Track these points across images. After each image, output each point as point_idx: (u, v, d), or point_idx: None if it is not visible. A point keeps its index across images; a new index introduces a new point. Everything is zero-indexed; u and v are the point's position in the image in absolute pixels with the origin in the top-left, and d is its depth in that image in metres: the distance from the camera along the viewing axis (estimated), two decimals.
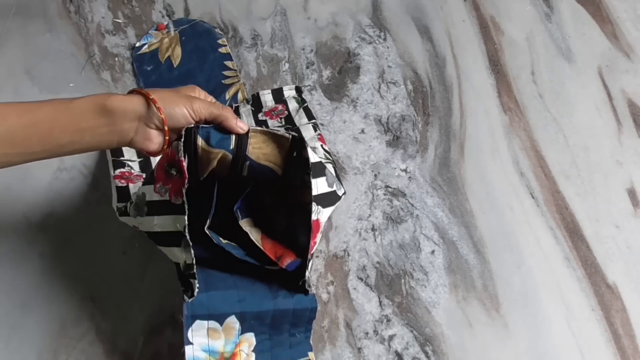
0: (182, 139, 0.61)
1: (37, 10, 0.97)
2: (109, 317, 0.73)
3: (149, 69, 0.91)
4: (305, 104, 0.85)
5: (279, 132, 0.63)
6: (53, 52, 0.93)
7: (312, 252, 0.63)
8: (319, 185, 0.64)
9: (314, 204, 0.62)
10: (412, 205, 0.80)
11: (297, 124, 0.82)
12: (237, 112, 0.85)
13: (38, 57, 0.93)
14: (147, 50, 0.93)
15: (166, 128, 0.59)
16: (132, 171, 0.78)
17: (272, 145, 0.64)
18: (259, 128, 0.63)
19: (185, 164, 0.60)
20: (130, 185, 0.76)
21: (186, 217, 0.60)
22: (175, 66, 0.91)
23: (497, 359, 0.71)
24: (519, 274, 0.76)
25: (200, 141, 0.62)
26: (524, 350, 0.71)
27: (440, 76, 0.91)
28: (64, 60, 0.93)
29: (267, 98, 0.86)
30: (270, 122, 0.83)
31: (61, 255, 0.77)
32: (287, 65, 0.92)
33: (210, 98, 0.65)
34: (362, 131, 0.86)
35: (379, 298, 0.74)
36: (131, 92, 0.60)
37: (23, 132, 0.55)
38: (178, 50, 0.92)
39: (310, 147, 0.74)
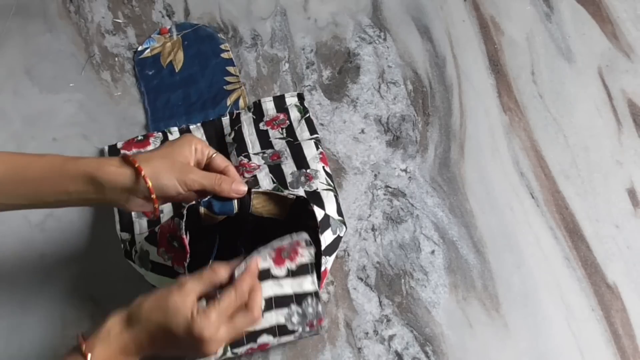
0: (184, 218, 0.61)
1: (37, 10, 0.97)
2: None
3: (150, 73, 0.91)
4: (307, 114, 0.84)
5: (282, 194, 0.64)
6: (53, 52, 0.93)
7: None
8: (326, 239, 0.65)
9: (323, 257, 0.63)
10: (412, 205, 0.80)
11: (299, 138, 0.81)
12: (237, 119, 0.84)
13: (38, 57, 0.93)
14: (149, 54, 0.93)
15: (153, 196, 0.58)
16: None
17: (275, 202, 0.65)
18: (261, 190, 0.64)
19: (187, 240, 0.61)
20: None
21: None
22: (177, 71, 0.91)
23: (497, 359, 0.71)
24: (519, 274, 0.76)
25: (202, 209, 0.64)
26: (524, 350, 0.71)
27: (440, 76, 0.91)
28: (64, 60, 0.93)
29: (268, 106, 0.85)
30: (271, 132, 0.82)
31: (61, 256, 0.77)
32: (287, 65, 0.92)
33: (208, 151, 0.63)
34: (362, 131, 0.86)
35: (379, 298, 0.74)
36: (123, 158, 0.58)
37: (10, 187, 0.55)
38: (180, 55, 0.92)
39: (312, 170, 0.76)
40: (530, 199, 0.81)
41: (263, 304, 0.61)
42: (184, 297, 0.54)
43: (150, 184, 0.57)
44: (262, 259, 0.62)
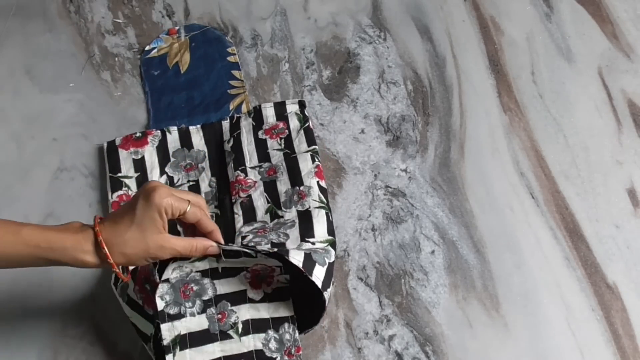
0: (157, 266, 0.62)
1: (37, 10, 0.97)
2: (110, 316, 0.73)
3: (156, 73, 0.91)
4: (307, 124, 0.83)
5: (253, 256, 0.63)
6: (53, 52, 0.93)
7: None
8: (318, 276, 0.64)
9: (324, 293, 0.63)
10: (412, 205, 0.80)
11: (296, 150, 0.81)
12: (237, 124, 0.84)
13: (38, 57, 0.93)
14: (156, 54, 0.93)
15: (124, 279, 0.61)
16: (130, 192, 0.79)
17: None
18: (232, 254, 0.63)
19: (159, 285, 0.62)
20: None
21: (154, 328, 0.64)
22: (182, 72, 0.91)
23: (497, 359, 0.71)
24: (519, 274, 0.76)
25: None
26: (524, 350, 0.71)
27: (440, 76, 0.91)
28: (64, 60, 0.93)
29: (268, 112, 0.85)
30: (269, 142, 0.82)
31: None
32: (287, 65, 0.92)
33: (178, 206, 0.58)
34: (362, 131, 0.86)
35: (379, 298, 0.74)
36: (96, 247, 0.56)
37: None
38: (187, 56, 0.92)
39: (306, 187, 0.76)
40: (530, 199, 0.81)
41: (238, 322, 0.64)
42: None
43: (121, 276, 0.59)
44: (238, 280, 0.64)
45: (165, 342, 0.63)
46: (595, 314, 0.73)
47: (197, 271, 0.64)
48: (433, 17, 0.96)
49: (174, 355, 0.63)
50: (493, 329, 0.72)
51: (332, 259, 0.68)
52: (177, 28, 0.95)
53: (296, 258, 0.62)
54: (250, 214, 0.76)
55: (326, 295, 0.64)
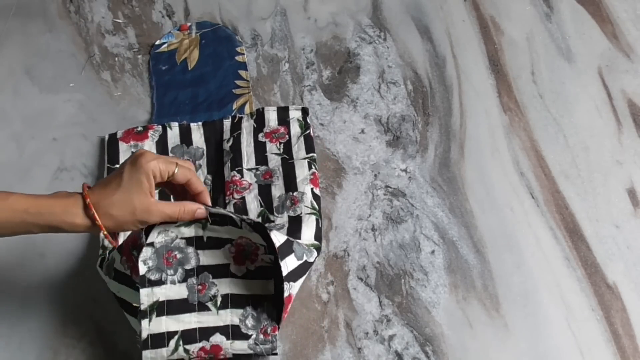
0: (144, 230, 0.62)
1: (37, 10, 0.98)
2: (109, 317, 0.73)
3: (163, 68, 0.91)
4: (308, 131, 0.83)
5: (236, 221, 0.63)
6: (53, 52, 0.93)
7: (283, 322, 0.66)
8: (288, 264, 0.64)
9: (285, 283, 0.62)
10: (412, 205, 0.80)
11: (294, 156, 0.81)
12: (239, 124, 0.84)
13: (38, 57, 0.93)
14: (166, 49, 0.93)
15: (112, 244, 0.62)
16: None
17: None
18: (218, 220, 0.63)
19: (143, 248, 0.62)
20: None
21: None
22: (189, 69, 0.91)
23: (497, 359, 0.71)
24: (519, 274, 0.76)
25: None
26: (524, 350, 0.71)
27: (440, 76, 0.91)
28: (64, 60, 0.93)
29: (271, 116, 0.85)
30: (268, 146, 0.82)
31: (61, 256, 0.77)
32: (287, 65, 0.92)
33: (167, 167, 0.59)
34: (362, 131, 0.86)
35: (379, 298, 0.74)
36: (85, 210, 0.57)
37: None
38: (195, 53, 0.92)
39: (299, 193, 0.77)
40: (530, 199, 0.81)
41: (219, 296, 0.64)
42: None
43: (110, 239, 0.60)
44: (222, 254, 0.64)
45: (142, 307, 0.63)
46: (595, 314, 0.73)
47: (182, 238, 0.64)
48: (433, 17, 0.96)
49: (149, 321, 0.63)
50: (493, 329, 0.72)
51: (312, 260, 0.68)
52: (189, 24, 0.95)
53: (277, 237, 0.62)
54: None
55: (287, 287, 0.63)
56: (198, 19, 0.96)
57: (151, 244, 0.63)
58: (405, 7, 0.97)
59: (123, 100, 0.89)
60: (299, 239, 0.72)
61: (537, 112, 0.87)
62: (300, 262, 0.65)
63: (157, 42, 0.93)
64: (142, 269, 0.63)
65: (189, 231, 0.64)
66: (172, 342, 0.63)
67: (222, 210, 0.63)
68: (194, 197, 0.62)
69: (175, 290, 0.64)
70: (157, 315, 0.63)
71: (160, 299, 0.64)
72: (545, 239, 0.78)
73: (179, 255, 0.64)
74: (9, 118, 0.88)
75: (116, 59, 0.93)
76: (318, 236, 0.74)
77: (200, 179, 0.62)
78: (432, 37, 0.94)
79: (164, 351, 0.63)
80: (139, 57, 0.93)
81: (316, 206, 0.76)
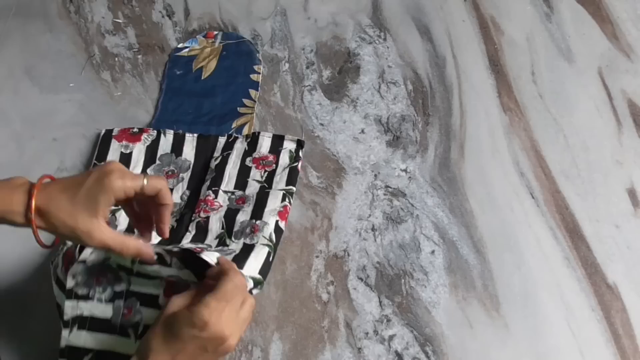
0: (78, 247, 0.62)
1: (37, 10, 0.98)
2: None
3: (178, 73, 0.91)
4: (296, 164, 0.81)
5: (170, 250, 0.61)
6: (53, 52, 0.93)
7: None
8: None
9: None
10: (412, 205, 0.80)
11: (273, 187, 0.79)
12: (232, 145, 0.83)
13: (38, 57, 0.93)
14: (186, 54, 0.92)
15: (39, 237, 0.56)
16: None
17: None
18: (163, 251, 0.61)
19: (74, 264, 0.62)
20: None
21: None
22: (202, 78, 0.90)
23: (497, 359, 0.71)
24: (519, 274, 0.76)
25: None
26: (524, 351, 0.71)
27: (440, 76, 0.91)
28: (64, 60, 0.93)
29: (264, 142, 0.83)
30: (252, 172, 0.81)
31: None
32: (287, 65, 0.92)
33: (134, 184, 0.55)
34: (362, 131, 0.86)
35: (379, 298, 0.74)
36: (29, 192, 0.53)
37: None
38: (213, 64, 0.91)
39: (262, 222, 0.75)
40: (531, 199, 0.81)
41: None
42: (176, 304, 0.53)
43: (40, 240, 0.56)
44: (152, 284, 0.63)
45: (65, 317, 0.62)
46: (595, 314, 0.73)
47: (113, 262, 0.63)
48: (433, 17, 0.96)
49: (70, 332, 0.62)
50: (493, 329, 0.72)
51: (250, 286, 0.65)
52: (215, 33, 0.94)
53: (209, 257, 0.59)
54: (200, 236, 0.75)
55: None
56: (198, 19, 0.96)
57: (83, 262, 0.63)
58: (405, 7, 0.97)
59: (123, 100, 0.89)
60: (242, 268, 0.68)
61: (537, 112, 0.87)
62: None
63: (180, 45, 0.93)
64: (70, 283, 0.62)
65: (120, 259, 0.63)
66: (86, 359, 0.63)
67: (168, 247, 0.60)
68: (158, 207, 0.59)
69: (100, 309, 0.63)
70: (79, 328, 0.63)
71: (84, 314, 0.63)
72: (545, 239, 0.78)
73: (109, 275, 0.63)
74: (9, 118, 0.88)
75: (116, 59, 0.93)
76: (264, 271, 0.70)
77: (169, 193, 0.59)
78: (432, 37, 0.94)
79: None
80: (139, 57, 0.93)
81: (274, 239, 0.74)
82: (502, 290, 0.75)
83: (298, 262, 0.76)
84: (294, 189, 0.80)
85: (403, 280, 0.75)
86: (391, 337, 0.72)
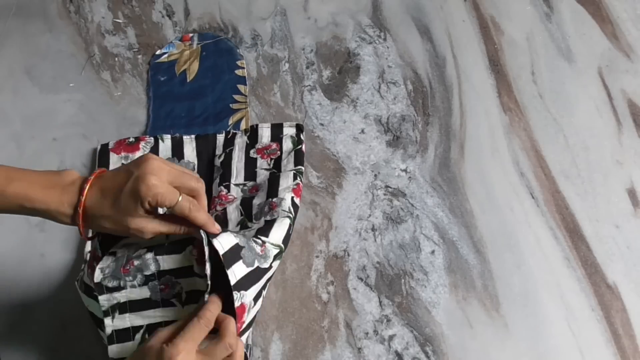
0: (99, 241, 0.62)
1: (37, 10, 0.97)
2: None
3: (162, 79, 0.90)
4: (300, 147, 0.82)
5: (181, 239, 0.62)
6: (53, 52, 0.93)
7: (240, 331, 0.60)
8: (236, 273, 0.59)
9: (234, 292, 0.58)
10: (412, 205, 0.80)
11: (283, 169, 0.80)
12: (232, 140, 0.84)
13: (38, 57, 0.93)
14: (166, 59, 0.92)
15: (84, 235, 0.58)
16: None
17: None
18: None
19: (104, 256, 0.62)
20: None
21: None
22: (188, 81, 0.90)
23: (497, 359, 0.71)
24: (519, 274, 0.76)
25: None
26: (524, 351, 0.71)
27: (440, 76, 0.91)
28: (64, 60, 0.93)
29: (264, 132, 0.84)
30: (259, 162, 0.81)
31: (61, 256, 0.77)
32: (287, 65, 0.92)
33: (164, 201, 0.55)
34: (362, 131, 0.86)
35: (379, 298, 0.74)
36: (73, 216, 0.56)
37: None
38: (195, 65, 0.91)
39: (279, 199, 0.75)
40: (530, 199, 0.81)
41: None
42: (154, 341, 0.53)
43: (85, 236, 0.58)
44: (184, 257, 0.62)
45: (103, 308, 0.62)
46: (595, 314, 0.73)
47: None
48: (433, 17, 0.96)
49: (112, 319, 0.62)
50: (493, 329, 0.72)
51: (265, 266, 0.63)
52: (190, 35, 0.94)
53: (221, 243, 0.58)
54: (221, 227, 0.74)
55: (237, 296, 0.58)
56: (198, 19, 0.96)
57: (113, 253, 0.62)
58: (405, 7, 0.97)
59: (123, 100, 0.89)
60: (267, 237, 0.67)
61: (537, 112, 0.87)
62: (251, 268, 0.61)
63: (158, 52, 0.92)
64: (98, 277, 0.61)
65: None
66: (138, 336, 0.62)
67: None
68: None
69: (136, 293, 0.63)
70: (120, 313, 0.62)
71: (122, 301, 0.62)
72: (545, 239, 0.78)
73: (136, 262, 0.62)
74: (9, 118, 0.88)
75: (116, 59, 0.93)
76: (286, 240, 0.70)
77: (202, 216, 0.58)
78: (432, 37, 0.94)
79: (130, 345, 0.62)
80: (139, 57, 0.93)
81: (293, 212, 0.74)
82: (502, 290, 0.75)
83: (298, 262, 0.76)
84: (303, 168, 0.81)
85: (403, 280, 0.75)
86: (391, 337, 0.72)
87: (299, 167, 0.80)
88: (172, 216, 0.58)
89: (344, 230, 0.79)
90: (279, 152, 0.82)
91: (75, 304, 0.74)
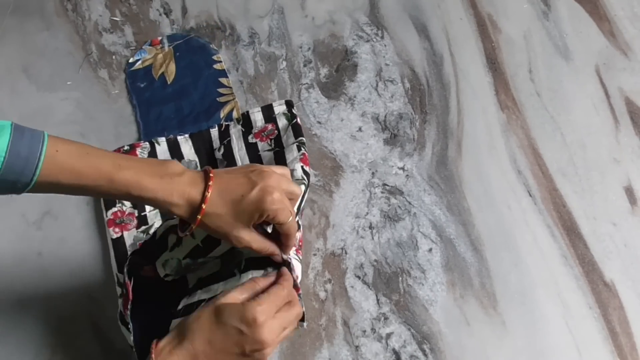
0: (127, 266, 0.62)
1: (35, 8, 0.97)
2: (107, 315, 0.73)
3: (142, 85, 0.90)
4: (295, 120, 0.83)
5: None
6: (50, 50, 0.93)
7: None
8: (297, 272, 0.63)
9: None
10: (410, 203, 0.80)
11: (285, 144, 0.81)
12: (227, 132, 0.84)
13: (35, 55, 0.93)
14: (141, 66, 0.91)
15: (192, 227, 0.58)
16: (124, 208, 0.78)
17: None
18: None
19: (130, 286, 0.62)
20: (125, 234, 0.76)
21: (132, 337, 0.62)
22: (169, 83, 0.90)
23: (495, 356, 0.71)
24: (517, 272, 0.76)
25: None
26: (521, 348, 0.71)
27: (438, 74, 0.91)
28: (61, 58, 0.93)
29: (256, 117, 0.85)
30: (260, 145, 0.82)
31: (59, 254, 0.77)
32: (284, 63, 0.92)
33: (277, 218, 0.57)
34: (360, 129, 0.86)
35: (377, 296, 0.74)
36: (203, 196, 0.56)
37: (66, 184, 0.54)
38: (172, 67, 0.91)
39: (290, 169, 0.74)
40: (528, 197, 0.81)
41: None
42: (231, 297, 0.55)
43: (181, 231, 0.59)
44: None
45: (190, 285, 0.65)
46: (593, 312, 0.73)
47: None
48: (430, 15, 0.96)
49: (188, 297, 0.63)
50: (490, 327, 0.72)
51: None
52: (159, 38, 0.94)
53: (296, 271, 0.62)
54: None
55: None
56: (195, 17, 0.96)
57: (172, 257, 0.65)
58: (403, 5, 0.97)
59: (120, 99, 0.89)
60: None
61: (534, 110, 0.87)
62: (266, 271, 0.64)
63: (131, 60, 0.92)
64: (161, 272, 0.64)
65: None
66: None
67: (289, 259, 0.62)
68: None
69: (209, 266, 0.66)
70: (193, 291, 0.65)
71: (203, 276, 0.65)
72: (543, 237, 0.78)
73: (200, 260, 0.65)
74: (6, 116, 0.88)
75: (113, 57, 0.93)
76: (299, 205, 0.70)
77: (295, 238, 0.61)
78: (429, 35, 0.94)
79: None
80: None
81: (306, 180, 0.75)
82: (500, 288, 0.75)
83: None
84: (304, 139, 0.81)
85: (400, 278, 0.75)
86: (389, 335, 0.72)
87: (300, 138, 0.81)
88: (265, 233, 0.60)
89: (342, 228, 0.79)
90: (276, 132, 0.83)
91: (72, 302, 0.74)
